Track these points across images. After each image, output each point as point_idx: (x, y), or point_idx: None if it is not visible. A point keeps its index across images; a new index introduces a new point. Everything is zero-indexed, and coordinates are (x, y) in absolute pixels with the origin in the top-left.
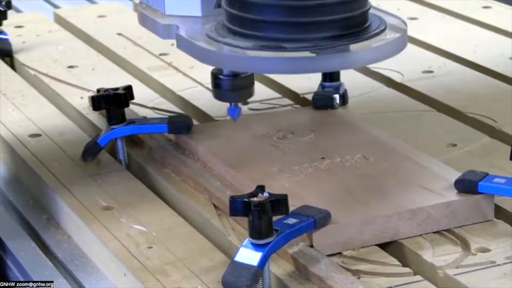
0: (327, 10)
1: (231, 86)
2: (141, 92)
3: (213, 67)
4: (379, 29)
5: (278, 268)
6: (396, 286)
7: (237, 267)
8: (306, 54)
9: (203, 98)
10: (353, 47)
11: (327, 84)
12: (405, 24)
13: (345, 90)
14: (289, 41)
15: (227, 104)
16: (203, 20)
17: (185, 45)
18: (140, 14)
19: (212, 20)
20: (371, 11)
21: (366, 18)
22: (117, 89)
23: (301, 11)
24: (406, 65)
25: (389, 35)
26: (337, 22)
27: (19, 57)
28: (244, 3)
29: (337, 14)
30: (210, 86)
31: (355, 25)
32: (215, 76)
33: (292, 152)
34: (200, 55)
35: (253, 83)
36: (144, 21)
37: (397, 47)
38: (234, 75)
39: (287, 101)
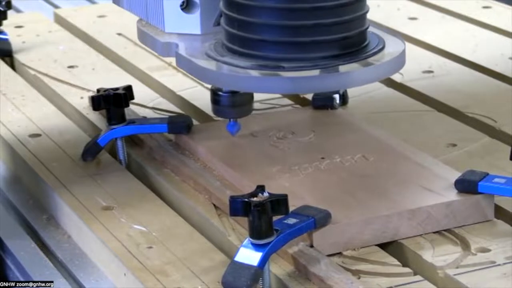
0: (326, 30)
1: (230, 102)
2: (141, 92)
3: None
4: (378, 48)
5: (278, 268)
6: (396, 286)
7: (237, 267)
8: (305, 73)
9: (203, 98)
10: (352, 67)
11: None
12: (403, 42)
13: (345, 90)
14: (287, 61)
15: None
16: (202, 38)
17: (184, 64)
18: (139, 31)
19: (211, 38)
20: (370, 29)
21: (365, 37)
22: (117, 89)
23: (299, 31)
24: (406, 65)
25: (388, 54)
26: (335, 42)
27: (19, 57)
28: (243, 23)
29: (335, 34)
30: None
31: (353, 44)
32: (214, 92)
33: (292, 152)
34: (199, 74)
35: (252, 100)
36: (144, 38)
37: (396, 66)
38: (233, 92)
39: (287, 101)
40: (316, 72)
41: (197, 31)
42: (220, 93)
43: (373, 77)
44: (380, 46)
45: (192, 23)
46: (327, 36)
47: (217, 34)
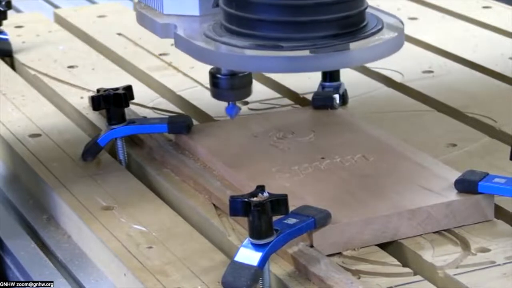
0: (325, 9)
1: (229, 85)
2: (141, 92)
3: (211, 66)
4: (376, 28)
5: (278, 268)
6: (396, 286)
7: (237, 267)
8: (304, 53)
9: (203, 98)
10: (351, 46)
11: (327, 84)
12: (402, 23)
13: (345, 90)
14: (286, 40)
15: (226, 104)
16: (201, 19)
17: (183, 44)
18: (138, 13)
19: (210, 19)
20: (368, 10)
21: (363, 17)
22: (117, 89)
23: (298, 10)
24: (406, 65)
25: (387, 34)
26: (334, 21)
27: (19, 57)
28: (242, 2)
29: (334, 13)
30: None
31: (352, 24)
32: (213, 75)
33: (292, 152)
34: (198, 54)
35: (251, 82)
36: (142, 20)
37: (394, 46)
38: (232, 74)
39: (287, 101)
40: (314, 51)
41: (196, 12)
42: (219, 75)
43: (372, 57)
44: (379, 27)
45: (190, 4)
46: (326, 16)
47: (215, 16)
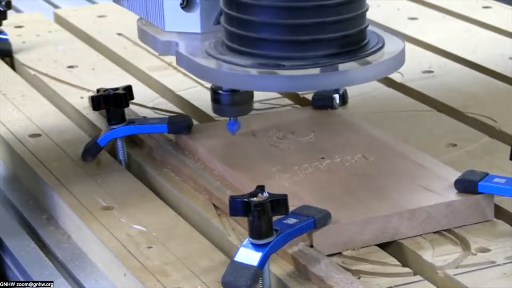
0: (325, 28)
1: (230, 101)
2: (141, 92)
3: None
4: (377, 46)
5: (278, 268)
6: (396, 286)
7: (237, 267)
8: (305, 72)
9: (203, 98)
10: (352, 65)
11: None
12: (403, 41)
13: (345, 90)
14: (288, 59)
15: None
16: (202, 36)
17: (184, 62)
18: (139, 30)
19: (211, 37)
20: (369, 28)
21: (364, 36)
22: (117, 89)
23: (299, 30)
24: (406, 65)
25: (387, 53)
26: (335, 40)
27: (19, 57)
28: (243, 21)
29: (335, 32)
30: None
31: (353, 43)
32: (214, 91)
33: (292, 152)
34: (199, 72)
35: (252, 98)
36: (144, 37)
37: (395, 64)
38: (233, 90)
39: (287, 101)
40: (316, 70)
41: (197, 29)
42: (220, 91)
43: (373, 76)
44: (380, 45)
45: (192, 21)
46: (327, 35)
47: (217, 33)
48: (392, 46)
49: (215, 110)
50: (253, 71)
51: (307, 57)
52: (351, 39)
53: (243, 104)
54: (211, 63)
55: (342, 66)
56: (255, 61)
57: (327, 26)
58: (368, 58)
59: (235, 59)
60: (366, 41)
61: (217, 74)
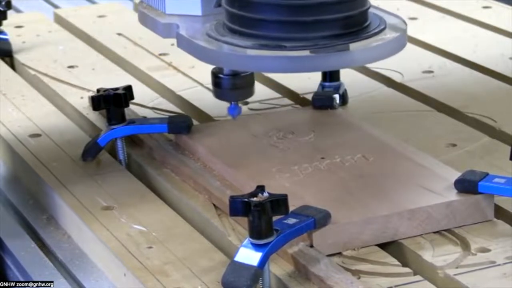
0: (327, 9)
1: (231, 85)
2: (141, 92)
3: (213, 66)
4: (379, 28)
5: (278, 268)
6: (396, 286)
7: (237, 267)
8: (306, 53)
9: (203, 98)
10: (353, 46)
11: (327, 84)
12: (405, 23)
13: (345, 90)
14: (289, 40)
15: (227, 104)
16: (203, 19)
17: (185, 44)
18: (140, 13)
19: (212, 19)
20: (371, 10)
21: (366, 17)
22: (117, 89)
23: (301, 10)
24: (406, 65)
25: (389, 35)
26: (337, 21)
27: (19, 57)
28: (244, 2)
29: (336, 13)
30: (210, 86)
31: (354, 24)
32: (215, 75)
33: (292, 152)
34: (200, 54)
35: (253, 83)
36: (144, 20)
37: (397, 46)
38: (234, 74)
39: (287, 101)
40: (317, 51)
41: (198, 12)
42: (221, 75)
43: (374, 57)
44: (382, 27)
45: (193, 4)
46: (329, 15)
47: (218, 16)
48: (393, 27)
49: (216, 95)
50: (254, 52)
51: (309, 38)
52: (353, 20)
53: (244, 88)
54: (212, 45)
55: (342, 47)
56: (256, 42)
57: (328, 6)
58: (370, 40)
59: (235, 40)
60: (367, 23)
61: (218, 56)
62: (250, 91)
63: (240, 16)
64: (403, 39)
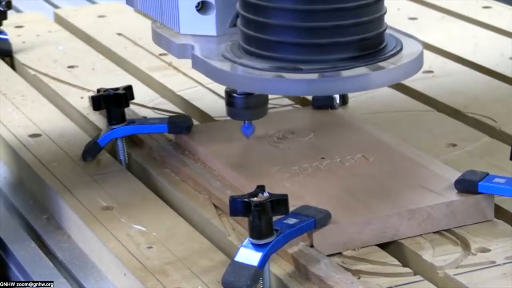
0: (343, 31)
1: (245, 104)
2: (141, 92)
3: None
4: (395, 50)
5: (278, 268)
6: (396, 286)
7: (237, 267)
8: (323, 75)
9: (203, 98)
10: (370, 68)
11: None
12: (421, 43)
13: None
14: (305, 63)
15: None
16: (217, 39)
17: (201, 66)
18: (154, 32)
19: (227, 39)
20: (387, 31)
21: (382, 39)
22: (117, 89)
23: (317, 32)
24: None
25: (406, 56)
26: (353, 43)
27: (19, 57)
28: (260, 24)
29: (353, 35)
30: (210, 86)
31: (371, 46)
32: (229, 94)
33: (292, 152)
34: (217, 76)
35: (267, 102)
36: (158, 40)
37: (414, 68)
38: (248, 94)
39: (287, 101)
40: (334, 74)
41: (213, 32)
42: (235, 95)
43: (391, 80)
44: (398, 48)
45: (207, 24)
46: (346, 38)
47: (232, 36)
48: (410, 49)
49: (230, 114)
50: (271, 75)
51: (325, 60)
52: (369, 42)
53: (258, 107)
54: (228, 67)
55: (360, 70)
56: (273, 64)
57: (346, 29)
58: (387, 62)
59: (252, 62)
60: (384, 44)
61: (235, 78)
62: (263, 110)
63: (256, 38)
64: (420, 61)
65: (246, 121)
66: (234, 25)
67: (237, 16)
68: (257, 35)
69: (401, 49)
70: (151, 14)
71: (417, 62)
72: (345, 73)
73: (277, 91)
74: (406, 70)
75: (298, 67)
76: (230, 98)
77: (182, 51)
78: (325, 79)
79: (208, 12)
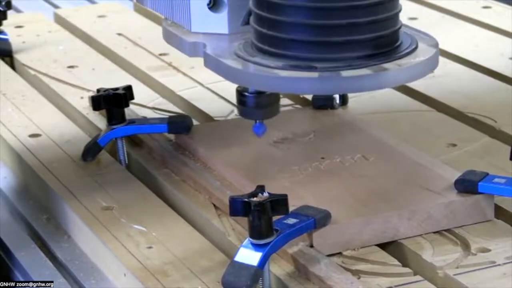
0: (358, 30)
1: (256, 103)
2: (141, 92)
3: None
4: (410, 48)
5: (278, 268)
6: (396, 286)
7: (237, 267)
8: (337, 74)
9: (203, 98)
10: (385, 67)
11: None
12: (436, 42)
13: None
14: (319, 61)
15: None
16: (229, 37)
17: (213, 64)
18: (165, 30)
19: (239, 38)
20: (402, 29)
21: (397, 37)
22: (117, 89)
23: (332, 30)
24: None
25: (421, 54)
26: (368, 42)
27: (19, 57)
28: (274, 22)
29: (368, 33)
30: (210, 86)
31: (386, 44)
32: (240, 93)
33: (292, 152)
34: (229, 75)
35: (278, 100)
36: (169, 38)
37: (430, 66)
38: (259, 92)
39: (287, 101)
40: (348, 72)
41: (225, 30)
42: (246, 93)
43: (406, 78)
44: (413, 46)
45: (219, 22)
46: (360, 36)
47: (244, 34)
48: (425, 47)
49: (241, 113)
50: (286, 73)
51: (340, 58)
52: (384, 41)
53: (270, 106)
54: (241, 65)
55: (375, 68)
56: (287, 62)
57: (360, 27)
58: (402, 60)
59: (265, 60)
60: (399, 42)
61: (249, 76)
62: (275, 109)
63: (270, 36)
64: (436, 59)
65: (257, 121)
66: (246, 23)
67: (249, 13)
68: (270, 33)
69: (416, 47)
70: (161, 12)
71: (433, 60)
72: (360, 71)
73: (291, 90)
74: (422, 68)
75: (313, 65)
76: (241, 97)
77: (193, 50)
78: (339, 77)
79: (220, 10)
